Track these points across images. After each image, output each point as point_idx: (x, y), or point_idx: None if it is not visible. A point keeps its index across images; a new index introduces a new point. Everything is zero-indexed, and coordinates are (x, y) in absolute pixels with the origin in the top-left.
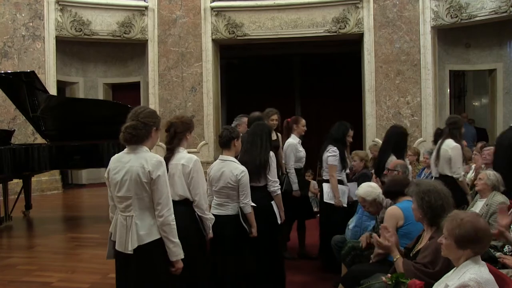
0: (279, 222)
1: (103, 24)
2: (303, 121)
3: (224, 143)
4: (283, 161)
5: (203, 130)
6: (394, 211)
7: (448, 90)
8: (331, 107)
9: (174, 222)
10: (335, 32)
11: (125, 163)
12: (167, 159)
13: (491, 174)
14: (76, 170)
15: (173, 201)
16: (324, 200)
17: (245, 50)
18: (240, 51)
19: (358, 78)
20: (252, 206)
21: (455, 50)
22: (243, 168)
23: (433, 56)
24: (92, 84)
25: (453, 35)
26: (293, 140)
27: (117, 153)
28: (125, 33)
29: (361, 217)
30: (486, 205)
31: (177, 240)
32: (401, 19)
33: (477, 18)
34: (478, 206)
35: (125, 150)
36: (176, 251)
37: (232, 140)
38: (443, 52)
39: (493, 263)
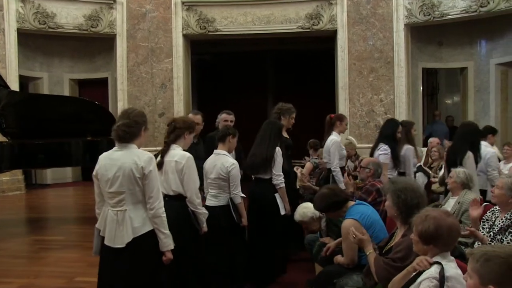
0: (282, 213)
1: (68, 17)
2: (347, 119)
3: (220, 137)
4: (324, 159)
5: None
6: (351, 224)
7: (421, 88)
8: (304, 104)
9: (165, 215)
10: (309, 28)
11: (116, 160)
12: (163, 152)
13: (460, 172)
14: (40, 170)
15: (168, 196)
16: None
17: (217, 46)
18: (211, 47)
19: (332, 75)
20: (241, 196)
21: (428, 48)
22: (233, 161)
23: (406, 54)
24: (57, 80)
25: (426, 33)
26: (337, 137)
27: (84, 151)
28: (92, 27)
29: None
30: (458, 203)
31: (167, 231)
32: (374, 16)
33: (449, 17)
34: (450, 204)
35: (115, 148)
36: (167, 242)
37: (227, 136)
38: (416, 50)
39: (463, 260)
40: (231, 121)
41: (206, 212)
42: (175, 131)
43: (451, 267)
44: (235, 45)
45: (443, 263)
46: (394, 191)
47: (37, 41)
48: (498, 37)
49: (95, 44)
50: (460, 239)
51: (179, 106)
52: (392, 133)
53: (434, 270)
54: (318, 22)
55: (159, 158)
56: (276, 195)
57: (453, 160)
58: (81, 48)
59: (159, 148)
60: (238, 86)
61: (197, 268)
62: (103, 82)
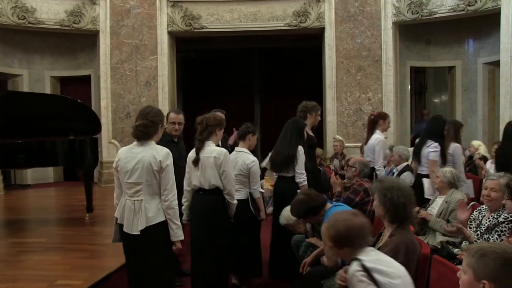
0: None
1: (49, 12)
2: (390, 117)
3: (240, 135)
4: (366, 157)
5: None
6: None
7: (409, 87)
8: (291, 103)
9: (177, 207)
10: (296, 26)
11: (137, 153)
12: (198, 149)
13: (447, 171)
14: (20, 170)
15: (203, 190)
16: (425, 196)
17: (202, 44)
18: (197, 44)
19: (319, 73)
20: (260, 192)
21: (416, 46)
22: (254, 158)
23: (394, 52)
24: (38, 77)
25: (414, 32)
26: (381, 136)
27: (66, 150)
28: (74, 22)
29: None
30: (445, 202)
31: (179, 222)
32: (362, 14)
33: (437, 15)
34: (438, 203)
35: (134, 143)
36: (178, 233)
37: (247, 134)
38: (404, 48)
39: (451, 259)
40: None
41: (236, 202)
42: (207, 129)
43: (370, 258)
44: (221, 42)
45: (360, 257)
46: (380, 190)
47: (16, 36)
48: (486, 36)
49: (78, 40)
50: (448, 238)
51: (164, 105)
52: (440, 131)
53: (354, 267)
54: (306, 20)
55: (192, 154)
56: (299, 191)
57: (505, 163)
58: (63, 45)
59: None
60: (224, 84)
61: (228, 258)
62: (86, 80)
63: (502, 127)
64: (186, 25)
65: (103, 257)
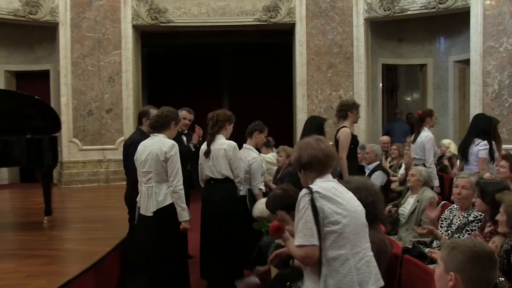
0: None
1: (2, 1)
2: (436, 114)
3: (248, 133)
4: (414, 156)
5: (122, 125)
6: None
7: (381, 84)
8: (261, 100)
9: (183, 191)
10: (266, 21)
11: (148, 146)
12: (209, 142)
13: (423, 170)
14: None
15: (215, 179)
16: None
17: (169, 38)
18: (163, 39)
19: (290, 70)
20: (259, 188)
21: (388, 43)
22: (255, 155)
23: (366, 49)
24: None
25: (386, 29)
26: (430, 133)
27: (22, 150)
28: (30, 13)
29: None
30: (417, 201)
31: (184, 205)
32: (334, 9)
33: (409, 12)
34: (410, 202)
35: (149, 137)
36: (183, 214)
37: (254, 131)
38: (376, 46)
39: (422, 259)
40: (190, 120)
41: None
42: (218, 124)
43: (324, 185)
44: (188, 37)
45: (314, 184)
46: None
47: None
48: (456, 35)
49: (35, 32)
50: (419, 238)
51: (128, 102)
52: (487, 129)
53: (301, 192)
54: (276, 15)
55: (204, 147)
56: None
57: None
58: (18, 37)
59: (106, 146)
60: (192, 80)
61: (241, 244)
62: (44, 75)
63: None
64: (151, 19)
65: (63, 263)
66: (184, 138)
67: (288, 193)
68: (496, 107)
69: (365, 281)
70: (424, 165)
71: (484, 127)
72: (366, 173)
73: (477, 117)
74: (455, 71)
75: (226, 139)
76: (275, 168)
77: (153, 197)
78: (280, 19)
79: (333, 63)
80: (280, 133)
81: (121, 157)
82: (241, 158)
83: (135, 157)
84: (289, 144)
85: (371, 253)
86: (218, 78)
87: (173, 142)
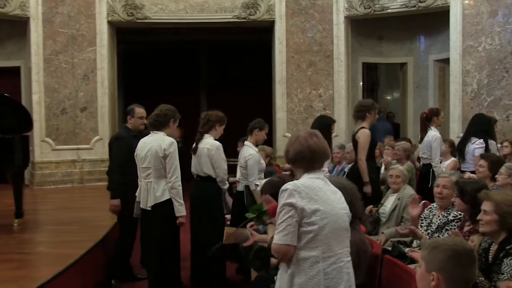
0: None
1: None
2: (442, 113)
3: (248, 130)
4: (421, 155)
5: (97, 124)
6: None
7: (361, 83)
8: (239, 98)
9: (180, 187)
10: (245, 18)
11: (148, 143)
12: (197, 140)
13: (405, 170)
14: None
15: (199, 177)
16: None
17: (146, 35)
18: (140, 35)
19: (269, 68)
20: (256, 184)
21: (368, 42)
22: (252, 152)
23: (346, 47)
24: None
25: (367, 27)
26: (437, 133)
27: None
28: None
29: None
30: (398, 199)
31: (181, 200)
32: (314, 7)
33: (389, 11)
34: (390, 200)
35: (149, 134)
36: (180, 209)
37: (254, 129)
38: (356, 44)
39: (402, 259)
40: None
41: (227, 188)
42: (208, 123)
43: (307, 182)
44: (166, 34)
45: (300, 179)
46: None
47: None
48: (436, 33)
49: (4, 27)
50: (399, 238)
51: (104, 100)
52: (485, 128)
53: (286, 186)
54: (255, 12)
55: (194, 145)
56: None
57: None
58: None
59: (81, 146)
60: (169, 78)
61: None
62: (15, 72)
63: (452, 125)
64: (127, 15)
65: (34, 267)
66: None
67: (285, 181)
68: (475, 106)
69: (333, 287)
70: (431, 164)
71: (481, 126)
72: (346, 173)
73: (476, 117)
74: (435, 70)
75: (216, 139)
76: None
77: (151, 192)
78: (259, 16)
79: (313, 61)
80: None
81: (96, 157)
82: (223, 159)
83: (135, 153)
84: (268, 144)
85: (348, 259)
86: (196, 75)
87: (171, 139)
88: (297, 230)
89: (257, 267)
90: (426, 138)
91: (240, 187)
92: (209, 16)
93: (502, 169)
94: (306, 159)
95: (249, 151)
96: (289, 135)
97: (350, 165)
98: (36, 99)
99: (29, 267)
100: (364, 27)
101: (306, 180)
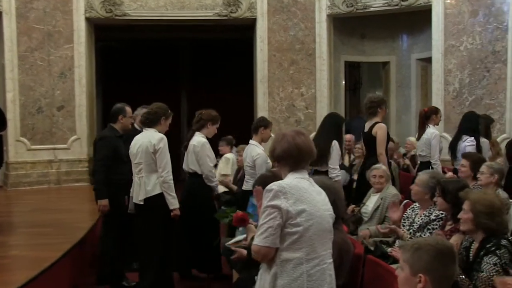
0: None
1: None
2: (441, 112)
3: (252, 129)
4: (420, 153)
5: (75, 123)
6: None
7: (344, 82)
8: (220, 98)
9: (172, 181)
10: (226, 16)
11: (140, 140)
12: (189, 138)
13: (387, 170)
14: None
15: (189, 173)
16: None
17: (125, 32)
18: (119, 33)
19: (251, 67)
20: None
21: (351, 40)
22: (259, 151)
23: (329, 46)
24: None
25: (349, 25)
26: (436, 131)
27: None
28: None
29: (252, 216)
30: (381, 199)
31: (173, 194)
32: (296, 5)
33: (372, 9)
34: (373, 200)
35: (142, 131)
36: (173, 202)
37: (259, 127)
38: (338, 42)
39: (385, 259)
40: None
41: (217, 185)
42: (200, 121)
43: (293, 181)
44: (146, 31)
45: (288, 177)
46: None
47: None
48: (419, 32)
49: None
50: (381, 238)
51: (81, 99)
52: (475, 126)
53: (271, 186)
54: (236, 10)
55: (186, 142)
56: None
57: None
58: None
59: (58, 146)
60: (149, 76)
61: (209, 233)
62: None
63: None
64: (106, 11)
65: (8, 270)
66: None
67: (277, 177)
68: (457, 105)
69: None
70: (430, 162)
71: (472, 124)
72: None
73: (466, 115)
74: (418, 69)
75: (208, 138)
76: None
77: (142, 186)
78: (240, 14)
79: (295, 60)
80: (240, 131)
81: (73, 157)
82: (208, 156)
83: (129, 150)
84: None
85: (330, 261)
86: (177, 74)
87: (161, 135)
88: (279, 233)
89: (239, 269)
90: (424, 136)
91: (246, 186)
92: (189, 14)
93: (483, 168)
94: (293, 158)
95: (256, 150)
96: (271, 134)
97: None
98: (11, 98)
99: (3, 271)
100: (346, 25)
101: (292, 180)
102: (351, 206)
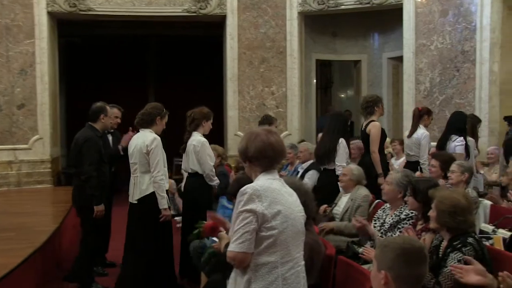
0: None
1: None
2: (433, 115)
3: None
4: (408, 151)
5: (36, 122)
6: None
7: (315, 81)
8: (190, 96)
9: (163, 181)
10: (195, 12)
11: (135, 140)
12: (186, 139)
13: (355, 169)
14: None
15: (189, 173)
16: None
17: (90, 28)
18: (84, 28)
19: (220, 65)
20: None
21: (322, 38)
22: None
23: (300, 44)
24: None
25: (320, 23)
26: (426, 131)
27: None
28: None
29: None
30: (351, 200)
31: (164, 194)
32: (267, 2)
33: (343, 7)
34: (343, 201)
35: (139, 132)
36: (162, 202)
37: (263, 125)
38: (310, 40)
39: (356, 259)
40: (116, 117)
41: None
42: (194, 121)
43: (266, 182)
44: (112, 27)
45: (260, 179)
46: None
47: None
48: (390, 31)
49: None
50: (353, 238)
51: (43, 97)
52: (463, 125)
53: (244, 190)
54: (206, 6)
55: (184, 144)
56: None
57: None
58: None
59: (18, 146)
60: (115, 74)
61: None
62: None
63: (406, 124)
64: (69, 6)
65: None
66: (110, 138)
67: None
68: (428, 104)
69: None
70: (419, 162)
71: (460, 124)
72: (300, 173)
73: (454, 114)
74: (389, 68)
75: (204, 135)
76: None
77: (137, 186)
78: (210, 10)
79: (265, 58)
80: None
81: (35, 157)
82: (209, 155)
83: (128, 151)
84: (219, 143)
85: (303, 263)
86: (144, 71)
87: (155, 136)
88: (254, 237)
89: (208, 272)
90: (414, 135)
91: None
92: (157, 10)
93: (454, 167)
94: (268, 158)
95: None
96: (241, 134)
97: (304, 164)
98: None
99: None
100: (317, 23)
101: (265, 182)
102: (323, 206)
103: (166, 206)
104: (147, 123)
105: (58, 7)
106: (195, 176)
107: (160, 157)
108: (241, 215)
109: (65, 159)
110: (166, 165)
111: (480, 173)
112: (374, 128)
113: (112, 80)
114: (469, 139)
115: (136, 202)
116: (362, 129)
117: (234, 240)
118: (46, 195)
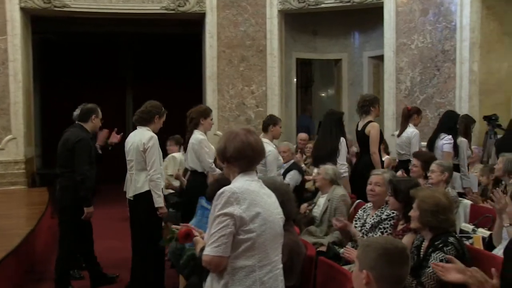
0: None
1: None
2: (422, 114)
3: (262, 128)
4: (399, 150)
5: (10, 122)
6: None
7: (295, 80)
8: (168, 95)
9: (159, 180)
10: (173, 10)
11: (132, 137)
12: (187, 138)
13: (329, 169)
14: None
15: (190, 171)
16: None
17: (65, 25)
18: (59, 25)
19: (199, 63)
20: None
21: (303, 37)
22: (270, 149)
23: (280, 43)
24: None
25: (301, 21)
26: (416, 130)
27: None
28: None
29: (201, 219)
30: (328, 200)
31: (159, 192)
32: None
33: (323, 5)
34: (321, 202)
35: (136, 129)
36: (158, 200)
37: (268, 126)
38: (290, 39)
39: (337, 260)
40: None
41: None
42: (193, 120)
43: (244, 184)
44: (88, 24)
45: (238, 180)
46: None
47: None
48: (371, 30)
49: None
50: (334, 239)
51: (17, 95)
52: (453, 124)
53: (222, 192)
54: (184, 3)
55: (185, 144)
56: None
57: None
58: None
59: None
60: (91, 72)
61: None
62: None
63: (386, 123)
64: (44, 2)
65: None
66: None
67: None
68: (409, 103)
69: None
70: (409, 160)
71: (450, 123)
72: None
73: (446, 113)
74: (370, 67)
75: (205, 132)
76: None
77: (133, 183)
78: (189, 8)
79: (245, 56)
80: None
81: (8, 158)
82: (206, 152)
83: (125, 148)
84: None
85: (281, 266)
86: (122, 70)
87: (152, 134)
88: (231, 241)
89: (187, 275)
90: (404, 134)
91: None
92: (134, 7)
93: (433, 167)
94: (247, 158)
95: (267, 147)
96: (220, 133)
97: (286, 164)
98: None
99: None
100: (298, 21)
101: (243, 184)
102: (303, 206)
103: (162, 205)
104: (145, 121)
105: (31, 3)
106: (195, 174)
107: (156, 155)
108: (217, 219)
109: (40, 159)
110: (162, 163)
111: (474, 174)
112: (373, 129)
113: (88, 78)
114: (462, 139)
115: (132, 198)
116: (359, 129)
117: (210, 244)
118: (20, 197)
